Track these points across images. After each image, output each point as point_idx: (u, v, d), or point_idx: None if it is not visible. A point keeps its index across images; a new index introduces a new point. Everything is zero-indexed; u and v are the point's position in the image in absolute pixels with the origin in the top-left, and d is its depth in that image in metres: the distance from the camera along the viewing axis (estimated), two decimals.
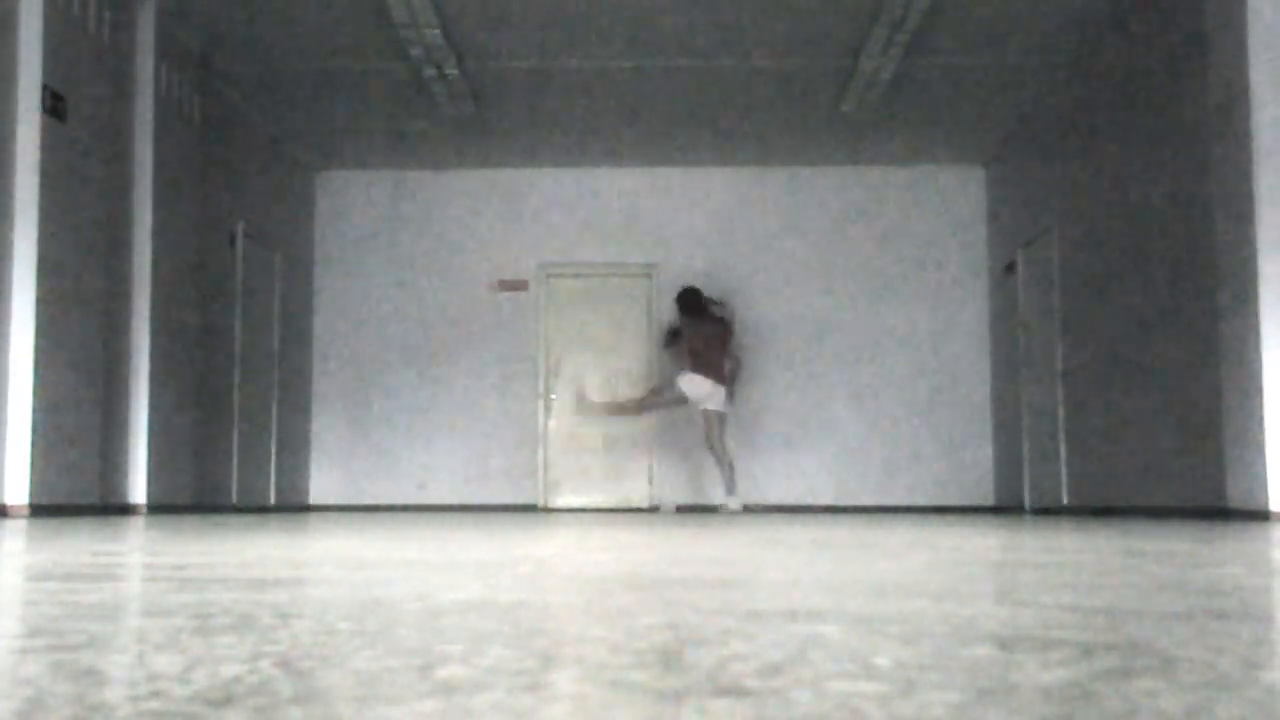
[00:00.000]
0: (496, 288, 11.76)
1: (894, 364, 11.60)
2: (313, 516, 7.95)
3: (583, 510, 11.30)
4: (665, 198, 11.78)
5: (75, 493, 7.25)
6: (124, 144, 7.98)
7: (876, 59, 8.85)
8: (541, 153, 11.33)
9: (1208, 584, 1.77)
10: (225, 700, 0.75)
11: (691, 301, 10.62)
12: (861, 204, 11.71)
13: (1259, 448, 6.50)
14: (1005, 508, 11.07)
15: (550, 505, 11.59)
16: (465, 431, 11.65)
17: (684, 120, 10.43)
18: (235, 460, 9.81)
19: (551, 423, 11.65)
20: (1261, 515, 6.43)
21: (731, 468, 10.46)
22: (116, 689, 0.79)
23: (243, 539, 3.62)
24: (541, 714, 0.70)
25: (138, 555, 2.63)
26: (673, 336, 11.02)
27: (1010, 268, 10.86)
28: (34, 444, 6.82)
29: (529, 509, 11.45)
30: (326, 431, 11.71)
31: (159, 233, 8.18)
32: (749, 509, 11.22)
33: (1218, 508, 6.93)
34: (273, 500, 10.66)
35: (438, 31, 8.42)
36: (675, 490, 11.56)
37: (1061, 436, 9.59)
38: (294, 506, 11.26)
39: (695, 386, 10.42)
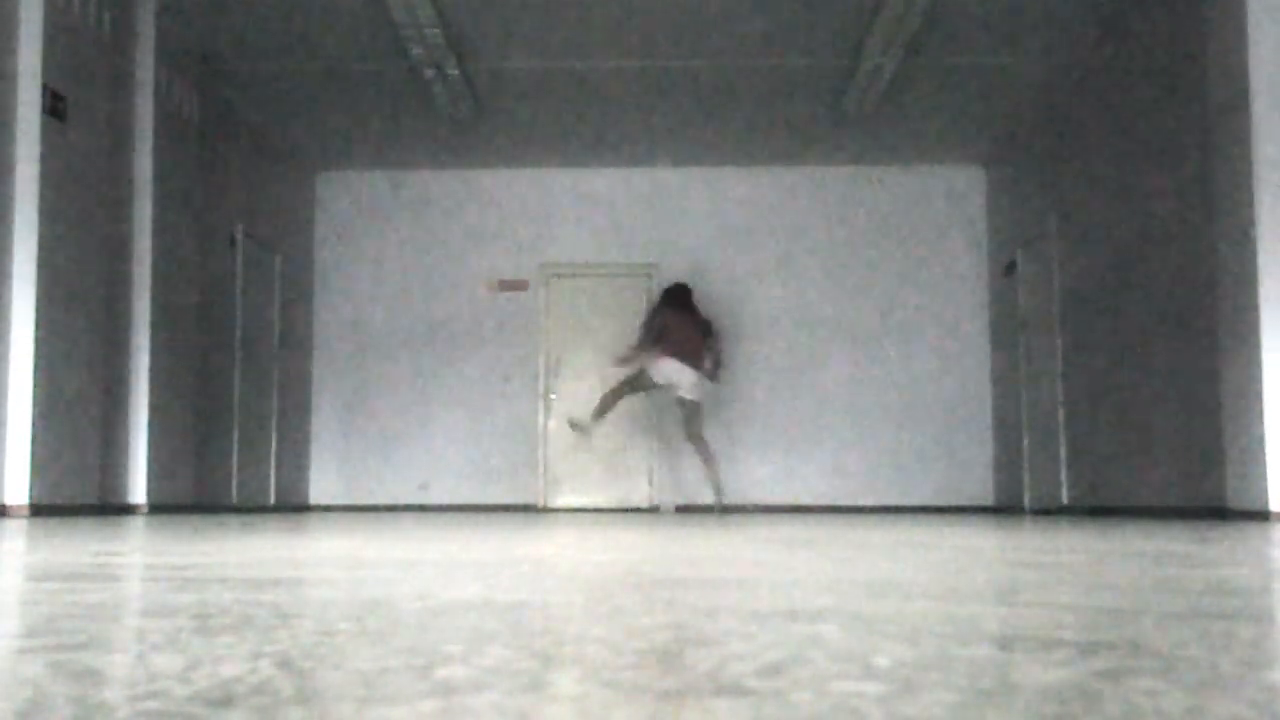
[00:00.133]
0: (496, 288, 11.76)
1: (894, 364, 11.59)
2: (313, 516, 7.95)
3: (583, 510, 11.30)
4: (665, 198, 11.78)
5: (75, 493, 7.25)
6: (124, 144, 7.98)
7: (876, 59, 8.85)
8: (541, 153, 11.33)
9: (1208, 584, 1.77)
10: (225, 700, 0.75)
11: (680, 296, 10.46)
12: (861, 204, 11.71)
13: (1259, 448, 6.50)
14: (1005, 508, 11.07)
15: (550, 505, 11.59)
16: (465, 431, 11.65)
17: (684, 120, 10.43)
18: (235, 460, 9.81)
19: (551, 423, 11.65)
20: (1261, 515, 6.43)
21: (603, 414, 10.29)
22: (116, 689, 0.79)
23: (243, 539, 3.62)
24: (541, 714, 0.70)
25: (138, 555, 2.63)
26: (648, 333, 10.84)
27: (1010, 268, 10.86)
28: (34, 444, 6.82)
29: (529, 509, 11.45)
30: (326, 431, 11.71)
31: (159, 233, 8.18)
32: (748, 509, 11.22)
33: (1218, 508, 6.93)
34: (273, 500, 10.66)
35: (438, 31, 8.42)
36: (675, 490, 11.56)
37: (1061, 436, 9.59)
38: (294, 506, 11.26)
39: (673, 371, 10.19)
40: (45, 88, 6.95)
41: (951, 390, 11.57)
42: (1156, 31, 7.81)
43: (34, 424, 6.83)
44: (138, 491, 7.96)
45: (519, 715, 0.70)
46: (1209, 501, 7.05)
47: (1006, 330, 11.03)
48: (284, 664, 0.91)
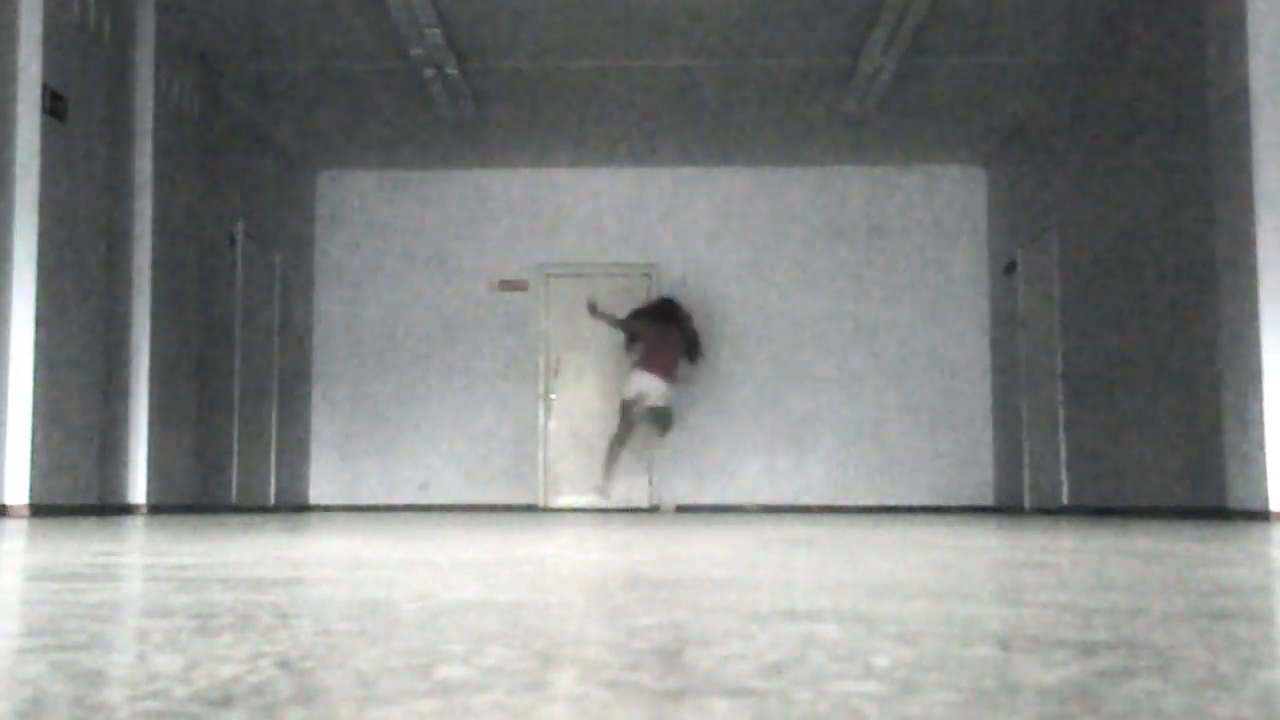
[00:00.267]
0: (496, 288, 11.76)
1: (894, 364, 11.59)
2: (312, 516, 7.95)
3: (583, 510, 11.30)
4: (665, 198, 11.78)
5: (75, 493, 7.25)
6: (124, 144, 7.98)
7: (876, 59, 8.85)
8: (541, 153, 11.33)
9: (1208, 584, 1.77)
10: (225, 700, 0.75)
11: (663, 309, 10.74)
12: (862, 204, 11.71)
13: (1259, 448, 6.50)
14: (1005, 508, 11.07)
15: (550, 505, 11.59)
16: (465, 431, 11.65)
17: (684, 120, 10.43)
18: (235, 460, 9.81)
19: (551, 423, 11.65)
20: (1261, 515, 6.43)
21: (614, 468, 10.54)
22: (116, 689, 0.79)
23: (243, 539, 3.62)
24: (541, 714, 0.70)
25: (138, 555, 2.63)
26: (631, 339, 11.00)
27: (1010, 268, 10.86)
28: (34, 444, 6.82)
29: (529, 509, 11.44)
30: (326, 431, 11.71)
31: (159, 233, 8.18)
32: (743, 509, 11.22)
33: (1218, 508, 6.93)
34: (273, 500, 10.66)
35: (438, 31, 8.42)
36: (675, 490, 11.56)
37: (1061, 436, 9.59)
38: (294, 506, 11.26)
39: (643, 383, 10.46)
40: (45, 88, 6.94)
41: (951, 390, 11.57)
42: (1156, 31, 7.81)
43: (34, 424, 6.83)
44: (138, 491, 7.96)
45: (519, 715, 0.70)
46: (1209, 501, 7.05)
47: (1006, 330, 11.03)
48: (284, 664, 0.91)
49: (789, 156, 11.43)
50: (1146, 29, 7.97)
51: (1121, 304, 8.41)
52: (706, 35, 8.64)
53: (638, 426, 10.66)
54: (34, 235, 6.86)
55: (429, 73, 9.14)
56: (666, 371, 10.54)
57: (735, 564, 2.28)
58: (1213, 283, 6.96)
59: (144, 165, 8.09)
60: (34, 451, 6.82)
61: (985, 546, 3.17)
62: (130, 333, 7.99)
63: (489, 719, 0.69)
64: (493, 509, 11.37)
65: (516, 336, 11.72)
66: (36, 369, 6.85)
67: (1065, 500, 9.50)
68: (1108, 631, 1.14)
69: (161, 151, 8.24)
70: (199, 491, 9.02)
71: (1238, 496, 6.70)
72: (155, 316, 8.10)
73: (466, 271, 11.77)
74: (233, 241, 9.83)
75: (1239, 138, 6.65)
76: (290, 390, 11.11)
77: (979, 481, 11.49)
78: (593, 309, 10.84)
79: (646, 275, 11.72)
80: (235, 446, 9.81)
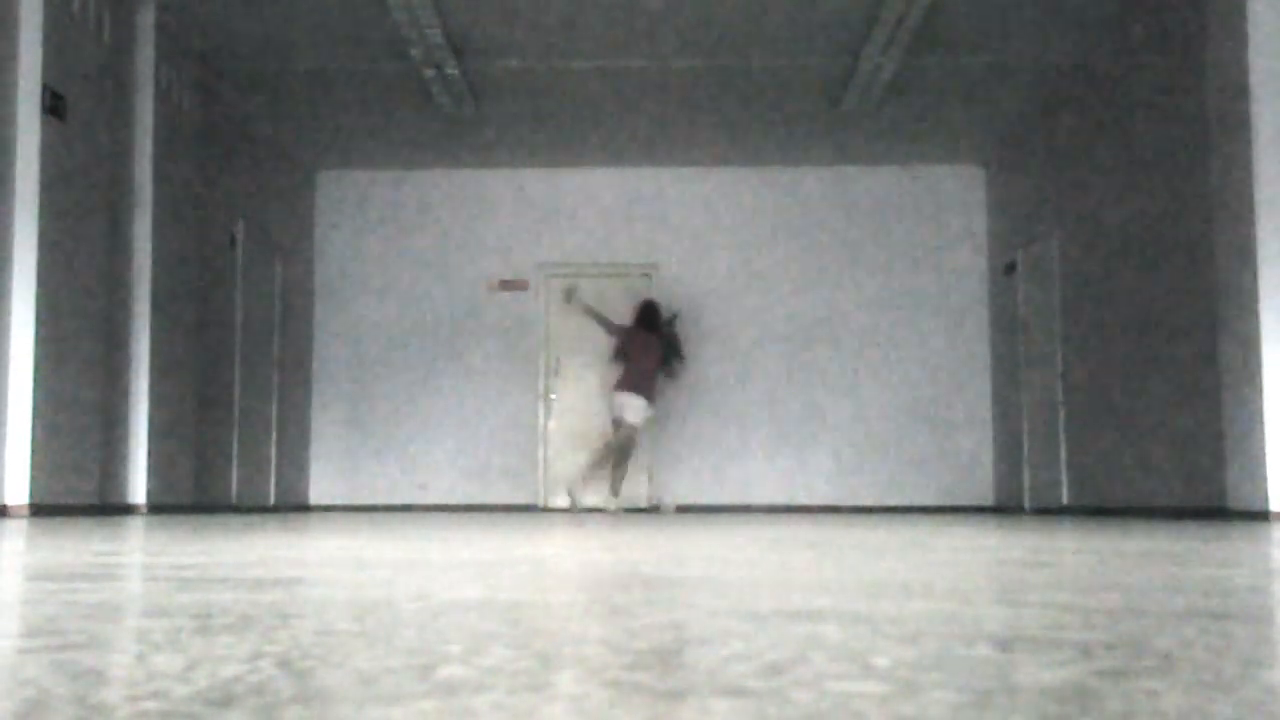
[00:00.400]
0: (496, 288, 11.76)
1: (894, 364, 11.60)
2: (313, 516, 7.96)
3: (583, 510, 11.30)
4: (665, 198, 11.78)
5: (75, 493, 7.25)
6: (124, 144, 7.98)
7: (876, 59, 8.85)
8: (541, 153, 11.33)
9: (1208, 584, 1.77)
10: (225, 700, 0.75)
11: (645, 316, 10.74)
12: (861, 204, 11.71)
13: (1259, 448, 6.50)
14: (1005, 508, 11.08)
15: (550, 505, 11.59)
16: (465, 431, 11.65)
17: (684, 120, 10.43)
18: (235, 460, 9.81)
19: (551, 423, 11.65)
20: (1261, 515, 6.43)
21: (590, 475, 10.53)
22: (116, 689, 0.79)
23: (243, 539, 3.62)
24: (541, 714, 0.70)
25: (138, 555, 2.63)
26: (617, 353, 11.04)
27: (1010, 268, 10.86)
28: (34, 444, 6.82)
29: (529, 509, 11.45)
30: (326, 431, 11.71)
31: (159, 233, 8.18)
32: (743, 509, 11.22)
33: (1218, 508, 6.93)
34: (273, 500, 10.66)
35: (438, 31, 8.42)
36: (675, 490, 11.56)
37: (1061, 436, 9.59)
38: (294, 506, 11.26)
39: (622, 402, 10.52)
40: (45, 88, 6.95)
41: (951, 390, 11.57)
42: (1156, 31, 7.82)
43: (34, 424, 6.83)
44: (138, 491, 7.96)
45: (519, 715, 0.70)
46: (1209, 501, 7.05)
47: (1006, 330, 11.03)
48: (284, 664, 0.91)
49: (789, 156, 11.43)
50: (1147, 29, 7.97)
51: (1121, 304, 8.41)
52: (706, 35, 8.64)
53: (624, 444, 10.62)
54: (34, 235, 6.86)
55: (429, 73, 9.14)
56: (646, 386, 10.54)
57: (735, 564, 2.28)
58: (1213, 282, 6.96)
59: (144, 165, 8.09)
60: (34, 451, 6.82)
61: (985, 546, 3.17)
62: (130, 333, 7.99)
63: (489, 719, 0.69)
64: (493, 509, 11.37)
65: (516, 336, 11.72)
66: (37, 369, 6.85)
67: (1065, 500, 9.50)
68: (1108, 631, 1.14)
69: (161, 152, 8.24)
70: (199, 491, 9.02)
71: (1238, 496, 6.70)
72: (155, 316, 8.10)
73: (466, 271, 11.77)
74: (233, 242, 9.83)
75: (1239, 137, 6.65)
76: (290, 390, 11.11)
77: (979, 482, 11.49)
78: (568, 295, 10.93)
79: (646, 275, 11.72)
80: (235, 446, 9.81)
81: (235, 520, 6.42)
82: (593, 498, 11.50)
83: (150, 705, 0.73)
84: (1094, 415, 8.95)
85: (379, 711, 0.71)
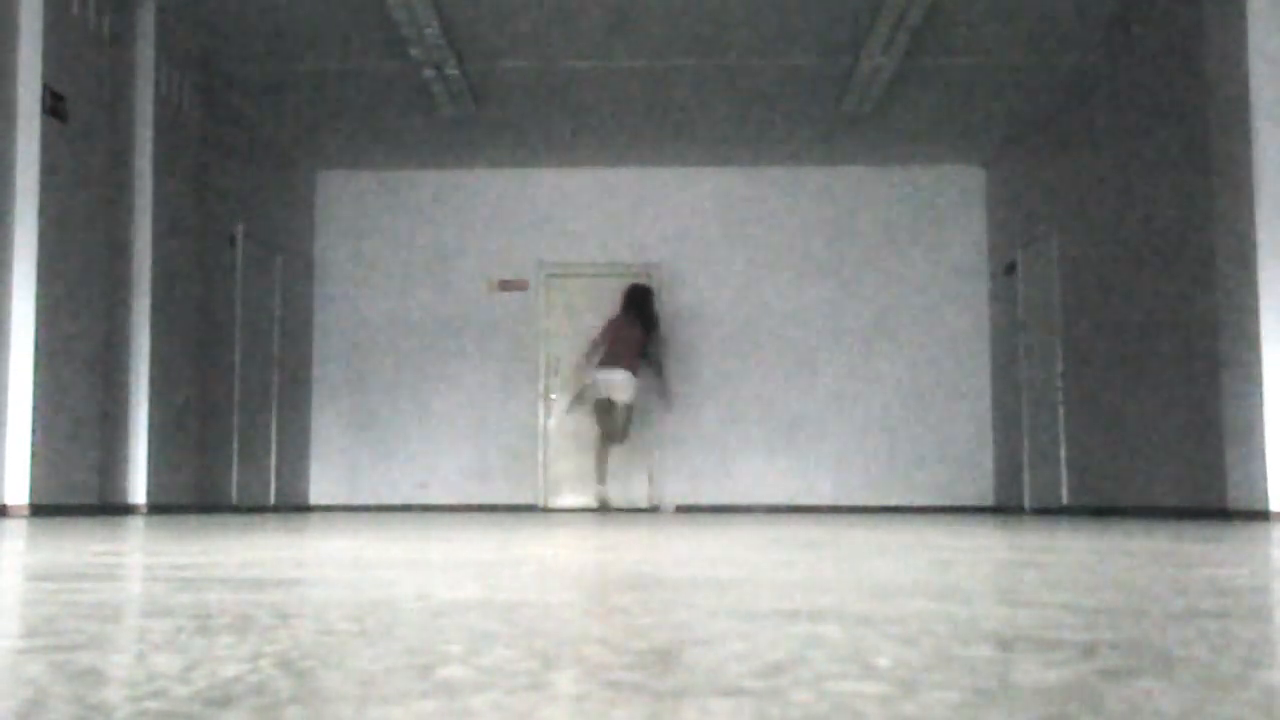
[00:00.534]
0: (496, 288, 11.76)
1: (894, 364, 11.60)
2: (313, 516, 7.96)
3: (583, 510, 11.30)
4: (665, 198, 11.78)
5: (75, 493, 7.25)
6: (124, 144, 7.98)
7: (876, 59, 8.85)
8: (541, 153, 11.33)
9: (1208, 584, 1.77)
10: (225, 700, 0.75)
11: (639, 299, 10.83)
12: (861, 204, 11.72)
13: (1259, 448, 6.50)
14: (1005, 508, 11.08)
15: (550, 505, 11.59)
16: (465, 431, 11.65)
17: (684, 120, 10.43)
18: (235, 460, 9.81)
19: (551, 423, 11.65)
20: (1261, 515, 6.43)
21: (603, 470, 10.67)
22: (116, 689, 0.79)
23: (243, 539, 3.62)
24: (541, 714, 0.70)
25: (138, 555, 2.63)
26: (602, 336, 11.09)
27: (1010, 268, 10.86)
28: (34, 444, 6.82)
29: (529, 509, 11.45)
30: (326, 431, 11.71)
31: (159, 233, 8.18)
32: (743, 510, 11.22)
33: (1218, 508, 6.93)
34: (273, 500, 10.66)
35: (438, 31, 8.42)
36: (675, 490, 11.56)
37: (1061, 436, 9.59)
38: (294, 506, 11.26)
39: (604, 379, 10.57)
40: (45, 88, 6.95)
41: (951, 390, 11.57)
42: (1156, 31, 7.81)
43: (34, 424, 6.83)
44: (138, 491, 7.96)
45: (519, 715, 0.70)
46: (1209, 501, 7.05)
47: (1006, 330, 11.03)
48: (284, 664, 0.91)
49: (789, 156, 11.43)
50: (1147, 30, 7.97)
51: (1121, 304, 8.41)
52: (707, 35, 8.64)
53: (608, 417, 10.69)
54: (34, 235, 6.86)
55: (429, 73, 9.14)
56: (628, 359, 10.61)
57: (735, 564, 2.28)
58: (1213, 282, 6.96)
59: (144, 165, 8.09)
60: (34, 451, 6.82)
61: (985, 546, 3.17)
62: (130, 333, 7.99)
63: (489, 719, 0.69)
64: (493, 509, 11.37)
65: (516, 336, 11.72)
66: (37, 369, 6.85)
67: (1065, 500, 9.50)
68: (1108, 631, 1.14)
69: (161, 151, 8.24)
70: (199, 491, 9.02)
71: (1238, 496, 6.70)
72: (155, 316, 8.10)
73: (466, 271, 11.77)
74: (233, 241, 9.83)
75: (1239, 138, 6.65)
76: (290, 390, 11.11)
77: (979, 481, 11.49)
78: (573, 405, 11.13)
79: (646, 275, 11.71)
80: (235, 446, 9.81)
81: (235, 520, 6.42)
82: (615, 494, 11.51)
83: (150, 705, 0.73)
84: (1094, 415, 8.95)
85: (379, 711, 0.71)
